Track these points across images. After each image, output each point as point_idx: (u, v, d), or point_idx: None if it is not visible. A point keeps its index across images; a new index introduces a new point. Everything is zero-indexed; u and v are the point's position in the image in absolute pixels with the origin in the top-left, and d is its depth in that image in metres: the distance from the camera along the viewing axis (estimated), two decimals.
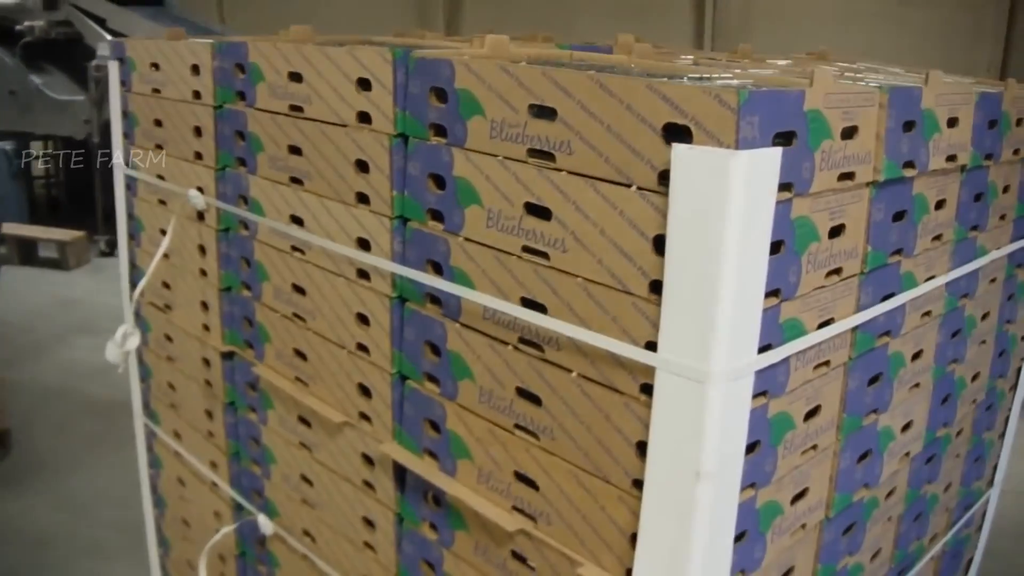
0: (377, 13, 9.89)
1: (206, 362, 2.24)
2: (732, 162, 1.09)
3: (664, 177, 1.17)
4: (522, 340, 1.42)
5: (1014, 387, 2.41)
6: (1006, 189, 1.94)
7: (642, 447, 1.26)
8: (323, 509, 1.96)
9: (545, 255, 1.36)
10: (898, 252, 1.56)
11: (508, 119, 1.37)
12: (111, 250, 8.10)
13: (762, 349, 1.24)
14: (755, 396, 1.26)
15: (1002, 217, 1.96)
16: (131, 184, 2.45)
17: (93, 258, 8.07)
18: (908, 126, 1.46)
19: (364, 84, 1.60)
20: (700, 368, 1.16)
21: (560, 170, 1.31)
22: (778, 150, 1.16)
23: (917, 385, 1.76)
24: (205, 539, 2.33)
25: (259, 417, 2.09)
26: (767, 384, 1.29)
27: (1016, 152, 1.91)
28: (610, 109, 1.23)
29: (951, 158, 1.62)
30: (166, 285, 2.35)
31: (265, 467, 2.11)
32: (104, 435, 4.46)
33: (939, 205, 1.65)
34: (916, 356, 1.72)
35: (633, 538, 1.30)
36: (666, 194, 1.16)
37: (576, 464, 1.37)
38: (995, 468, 2.49)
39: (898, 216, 1.52)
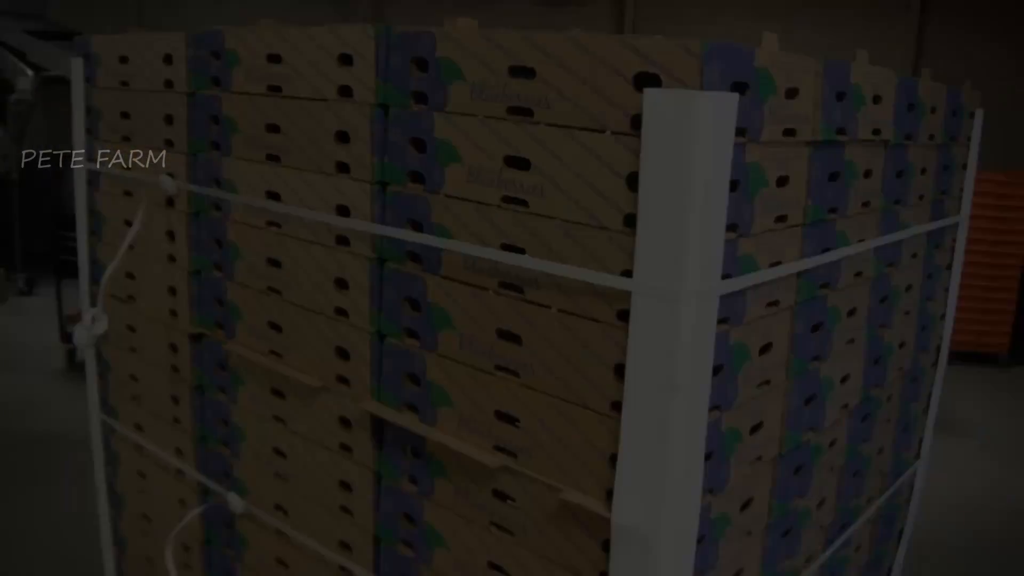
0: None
1: (173, 348, 2.27)
2: (698, 101, 1.24)
3: (636, 122, 1.31)
4: (502, 284, 1.53)
5: (935, 364, 2.62)
6: (923, 171, 2.15)
7: (619, 370, 1.38)
8: (297, 480, 2.00)
9: (524, 202, 1.48)
10: (834, 211, 1.73)
11: (488, 81, 1.50)
12: (30, 289, 7.91)
13: (724, 279, 1.38)
14: (719, 323, 1.39)
15: (920, 197, 2.17)
16: (92, 178, 2.48)
17: (11, 297, 7.84)
18: (840, 96, 1.64)
19: (346, 59, 1.71)
20: (673, 289, 1.29)
21: (539, 123, 1.44)
22: (735, 95, 1.31)
23: (852, 341, 1.93)
24: (167, 531, 2.33)
25: (229, 396, 2.13)
26: (728, 311, 1.43)
27: (932, 138, 2.13)
28: (586, 64, 1.37)
29: (876, 131, 1.82)
30: (129, 276, 2.38)
31: (235, 446, 2.15)
32: (27, 471, 4.40)
33: (867, 174, 1.84)
34: (851, 313, 1.89)
35: (612, 459, 1.41)
36: (638, 136, 1.30)
37: (556, 395, 1.47)
38: (920, 442, 2.68)
39: (833, 177, 1.70)
